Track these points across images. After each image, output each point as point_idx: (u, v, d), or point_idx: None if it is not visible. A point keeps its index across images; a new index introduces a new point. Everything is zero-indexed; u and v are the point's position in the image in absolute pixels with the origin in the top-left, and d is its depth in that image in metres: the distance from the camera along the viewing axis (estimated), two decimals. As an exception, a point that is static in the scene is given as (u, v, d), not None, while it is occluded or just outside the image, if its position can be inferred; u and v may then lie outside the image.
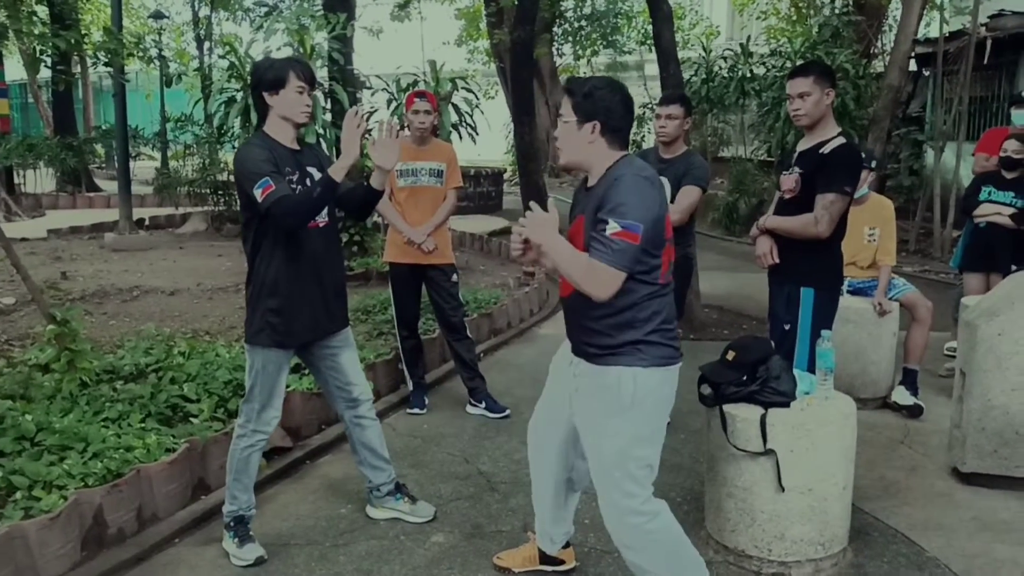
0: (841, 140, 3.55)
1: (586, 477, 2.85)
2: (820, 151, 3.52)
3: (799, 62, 12.47)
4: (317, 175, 3.12)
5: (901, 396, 4.87)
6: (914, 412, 4.78)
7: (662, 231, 2.52)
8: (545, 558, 3.12)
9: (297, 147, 3.18)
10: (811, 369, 3.37)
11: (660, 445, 2.67)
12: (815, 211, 3.48)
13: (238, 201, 3.12)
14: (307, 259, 3.13)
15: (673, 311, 2.64)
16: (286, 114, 3.07)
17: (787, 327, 3.58)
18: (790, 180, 3.60)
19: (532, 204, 2.53)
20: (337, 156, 3.12)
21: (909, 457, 4.25)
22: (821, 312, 3.56)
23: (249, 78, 3.25)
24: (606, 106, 2.52)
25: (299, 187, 3.06)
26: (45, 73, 19.56)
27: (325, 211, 3.16)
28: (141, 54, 8.11)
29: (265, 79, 3.06)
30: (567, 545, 3.14)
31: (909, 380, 4.92)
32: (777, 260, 3.66)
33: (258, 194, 2.91)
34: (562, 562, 3.14)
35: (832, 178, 3.47)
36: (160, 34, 18.63)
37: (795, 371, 3.22)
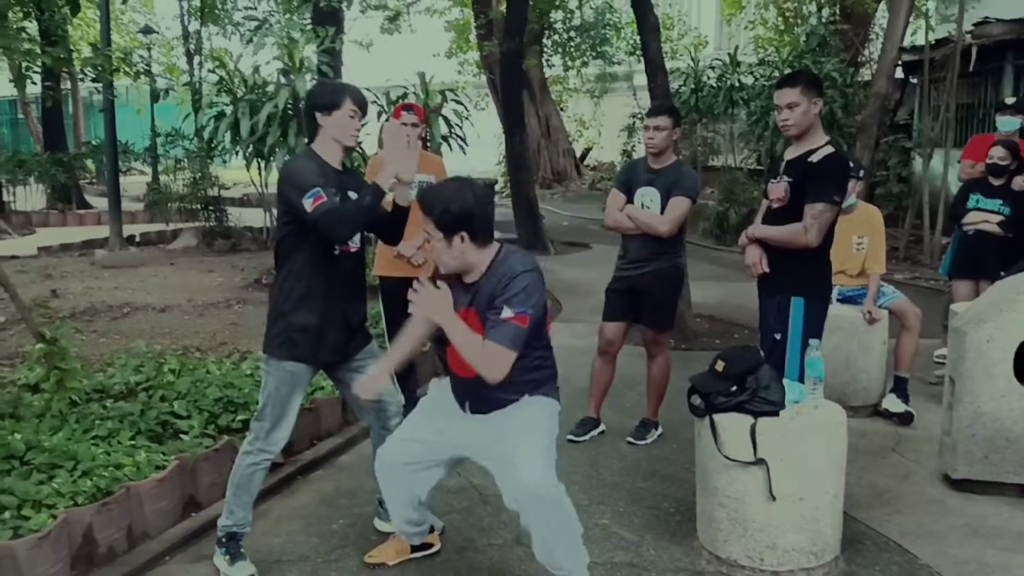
0: (830, 149, 3.55)
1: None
2: (809, 159, 3.52)
3: (787, 71, 12.55)
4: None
5: (892, 403, 4.89)
6: (905, 419, 4.80)
7: (544, 316, 2.82)
8: (414, 547, 3.33)
9: (342, 169, 3.24)
10: (801, 378, 3.37)
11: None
12: (804, 220, 3.48)
13: (276, 212, 3.16)
14: (338, 281, 3.16)
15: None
16: (336, 136, 3.15)
17: (778, 336, 3.58)
18: (779, 189, 3.59)
19: (418, 281, 2.74)
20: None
21: (900, 464, 4.26)
22: (812, 321, 3.56)
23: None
24: (465, 215, 2.70)
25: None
26: (35, 89, 19.58)
27: (358, 237, 3.21)
28: (128, 69, 8.11)
29: (321, 101, 3.15)
30: (431, 530, 3.35)
31: (899, 388, 4.93)
32: (767, 269, 3.66)
33: (308, 204, 2.95)
34: (431, 545, 3.36)
35: (821, 188, 3.48)
36: (150, 49, 18.64)
37: (784, 380, 3.23)
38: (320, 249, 3.09)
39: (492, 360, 2.67)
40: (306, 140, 3.32)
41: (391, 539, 3.38)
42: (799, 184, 3.52)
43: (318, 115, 3.14)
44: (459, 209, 2.70)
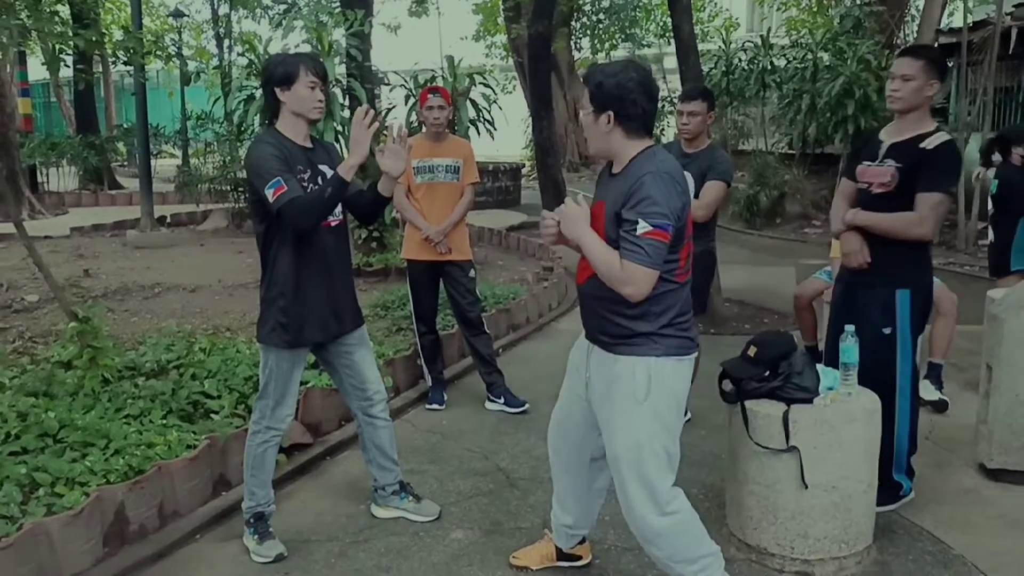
0: (944, 136, 3.32)
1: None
2: (921, 145, 3.28)
3: (820, 54, 12.37)
4: (329, 173, 3.08)
5: (926, 391, 4.81)
6: (939, 407, 4.72)
7: (684, 227, 2.51)
8: (561, 555, 3.11)
9: (310, 144, 3.16)
10: (914, 372, 3.35)
11: (676, 436, 2.64)
12: (920, 210, 3.22)
13: (248, 199, 3.10)
14: (318, 259, 3.11)
15: (689, 304, 2.62)
16: (298, 110, 3.05)
17: (887, 331, 3.35)
18: (884, 173, 3.32)
19: (569, 196, 2.55)
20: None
21: (934, 453, 4.19)
22: (917, 314, 3.38)
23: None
24: (618, 95, 2.48)
25: (311, 185, 3.03)
26: (67, 72, 19.76)
27: (338, 209, 3.14)
28: (160, 52, 8.15)
29: (276, 74, 3.03)
30: (583, 541, 3.12)
31: (934, 375, 4.85)
32: (869, 259, 3.40)
33: (269, 194, 2.89)
34: (579, 558, 3.13)
35: (939, 177, 3.25)
36: (180, 32, 18.74)
37: (819, 367, 3.17)
38: (294, 232, 3.02)
39: (632, 280, 2.42)
40: (267, 120, 3.20)
41: (541, 542, 3.19)
42: (910, 170, 3.26)
43: (276, 91, 3.03)
44: (614, 86, 2.48)
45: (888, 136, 3.43)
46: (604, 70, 2.54)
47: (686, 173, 4.25)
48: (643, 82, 2.51)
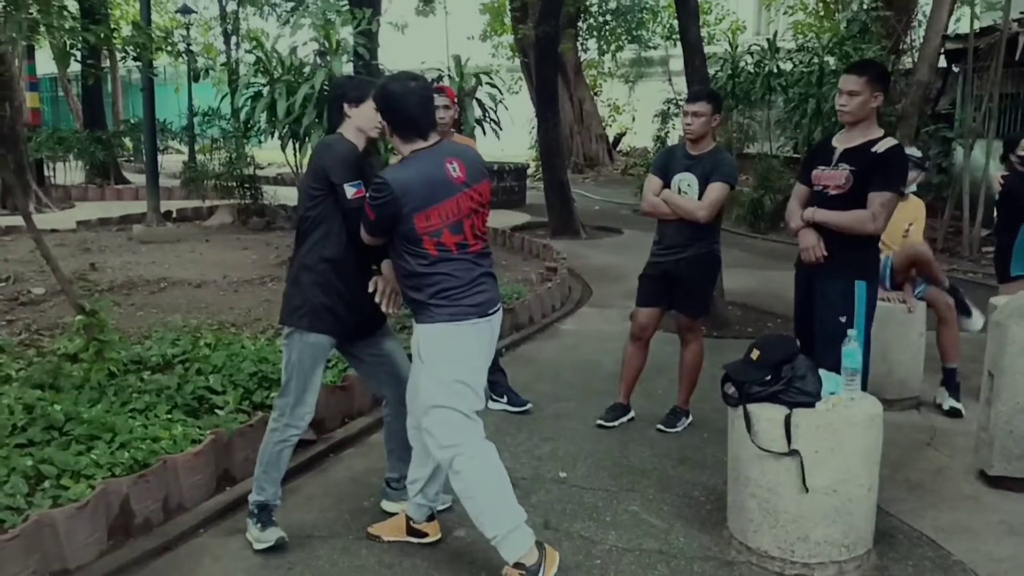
0: (893, 141, 3.69)
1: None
2: (873, 150, 3.63)
3: (827, 58, 12.37)
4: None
5: (941, 398, 4.89)
6: (952, 415, 4.77)
7: (405, 228, 2.91)
8: (412, 530, 3.32)
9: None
10: (866, 362, 3.53)
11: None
12: (871, 208, 3.59)
13: (309, 177, 3.24)
14: (359, 257, 3.22)
15: (464, 277, 2.98)
16: (362, 126, 3.27)
17: (843, 319, 3.62)
18: (839, 176, 3.68)
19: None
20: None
21: (935, 459, 4.21)
22: (871, 304, 3.72)
23: (329, 89, 3.54)
24: (392, 106, 2.95)
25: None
26: (75, 67, 19.80)
27: None
28: (169, 48, 8.17)
29: (351, 93, 3.29)
30: (431, 518, 3.33)
31: (950, 381, 4.89)
32: (825, 253, 3.71)
33: (350, 191, 3.11)
34: (426, 534, 3.32)
35: (890, 178, 3.63)
36: (188, 28, 18.76)
37: (821, 371, 3.19)
38: (345, 226, 3.18)
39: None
40: (328, 128, 3.45)
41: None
42: (861, 173, 3.61)
43: (346, 106, 3.28)
44: (382, 98, 3.00)
45: (840, 143, 3.77)
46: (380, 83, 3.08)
47: (689, 174, 4.33)
48: (415, 92, 2.96)
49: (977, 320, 4.98)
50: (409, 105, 2.93)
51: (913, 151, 5.20)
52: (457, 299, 2.96)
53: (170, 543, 3.28)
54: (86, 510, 3.07)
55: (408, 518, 3.33)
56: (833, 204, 3.69)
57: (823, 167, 3.76)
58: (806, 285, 3.85)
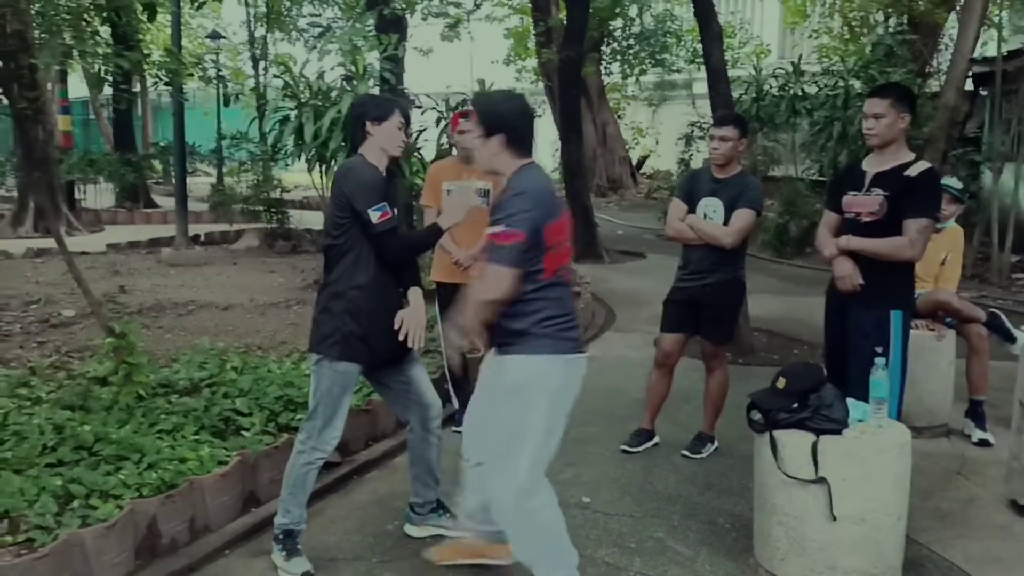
0: (927, 164, 3.58)
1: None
2: (906, 173, 3.52)
3: (852, 81, 12.33)
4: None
5: (969, 429, 4.83)
6: (982, 445, 4.71)
7: (539, 240, 2.74)
8: (481, 553, 3.23)
9: (385, 176, 3.35)
10: (901, 392, 3.48)
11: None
12: (908, 235, 3.48)
13: (333, 205, 3.24)
14: (389, 283, 3.25)
15: (568, 306, 2.85)
16: (384, 145, 3.28)
17: (879, 350, 3.44)
18: (873, 202, 3.56)
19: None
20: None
21: (965, 488, 4.14)
22: (906, 333, 3.60)
23: (351, 108, 3.54)
24: (510, 123, 2.84)
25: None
26: (107, 91, 20.16)
27: None
28: (200, 73, 8.32)
29: (372, 112, 3.28)
30: (500, 540, 3.09)
31: (976, 412, 4.82)
32: (861, 282, 3.60)
33: (375, 216, 3.11)
34: (498, 556, 3.19)
35: (926, 203, 3.51)
36: (217, 54, 19.09)
37: (848, 400, 3.16)
38: (374, 253, 3.19)
39: (486, 279, 2.74)
40: (349, 148, 3.43)
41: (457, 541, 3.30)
42: (895, 198, 3.51)
43: (368, 124, 3.26)
44: (501, 112, 2.86)
45: (870, 167, 3.65)
46: (490, 100, 3.04)
47: (715, 199, 4.32)
48: (521, 108, 2.89)
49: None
50: (526, 120, 2.87)
51: (953, 182, 5.08)
52: (562, 329, 2.80)
53: (196, 564, 3.30)
54: (114, 530, 3.10)
55: (474, 543, 3.23)
56: (867, 231, 3.58)
57: (854, 192, 3.65)
58: (839, 315, 3.74)
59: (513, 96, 2.96)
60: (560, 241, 2.79)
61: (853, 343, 3.60)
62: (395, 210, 3.21)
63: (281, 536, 3.29)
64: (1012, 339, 4.88)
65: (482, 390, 3.02)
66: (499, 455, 2.83)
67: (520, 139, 2.85)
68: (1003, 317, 4.95)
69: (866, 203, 3.58)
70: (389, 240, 3.14)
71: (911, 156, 3.61)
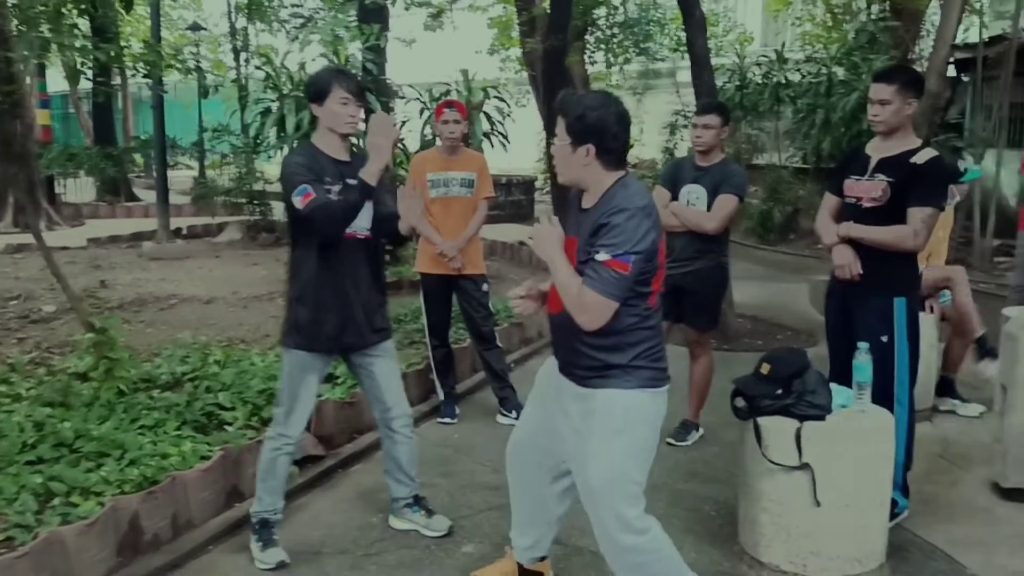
0: (933, 152, 3.42)
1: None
2: (912, 160, 3.38)
3: (835, 68, 12.36)
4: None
5: (963, 408, 4.91)
6: (976, 416, 4.83)
7: (655, 261, 2.52)
8: (523, 571, 3.06)
9: (345, 158, 3.21)
10: (912, 380, 3.41)
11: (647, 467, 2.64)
12: (912, 224, 3.32)
13: (285, 208, 3.22)
14: (341, 269, 3.18)
15: (662, 336, 2.63)
16: (330, 124, 3.14)
17: (884, 339, 3.41)
18: (875, 188, 3.42)
19: (541, 216, 2.57)
20: None
21: (948, 471, 4.17)
22: (913, 320, 3.48)
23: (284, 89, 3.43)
24: (600, 127, 2.50)
25: (338, 198, 3.11)
26: (86, 84, 19.96)
27: (367, 225, 3.20)
28: (180, 65, 8.24)
29: (312, 92, 3.14)
30: (543, 558, 3.06)
31: (952, 389, 4.89)
32: (861, 271, 3.48)
33: (298, 201, 3.00)
34: (540, 574, 3.08)
35: (931, 192, 3.37)
36: (198, 46, 18.90)
37: (832, 385, 3.17)
38: (321, 239, 3.11)
39: (587, 308, 2.44)
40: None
41: (502, 560, 3.13)
42: (899, 185, 3.37)
43: (313, 106, 3.15)
44: (595, 119, 2.50)
45: (875, 152, 3.51)
46: (580, 102, 2.55)
47: (698, 186, 4.32)
48: (620, 116, 2.54)
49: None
50: (623, 128, 2.55)
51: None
52: (657, 361, 2.58)
53: (179, 560, 3.27)
54: (95, 527, 3.06)
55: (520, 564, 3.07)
56: (867, 217, 3.45)
57: (856, 177, 3.51)
58: (840, 303, 3.62)
59: (608, 99, 2.58)
60: (662, 260, 2.58)
61: (858, 334, 3.44)
62: (326, 187, 3.07)
63: (257, 526, 3.29)
64: (996, 356, 4.86)
65: (570, 437, 2.66)
66: (614, 495, 2.59)
67: (615, 150, 2.54)
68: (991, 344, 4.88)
69: (868, 188, 3.45)
70: (317, 216, 2.99)
71: (917, 142, 3.45)
